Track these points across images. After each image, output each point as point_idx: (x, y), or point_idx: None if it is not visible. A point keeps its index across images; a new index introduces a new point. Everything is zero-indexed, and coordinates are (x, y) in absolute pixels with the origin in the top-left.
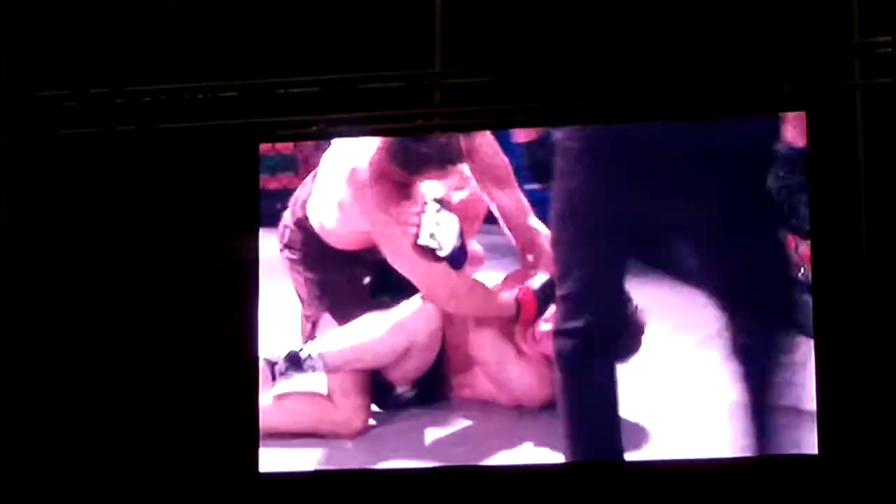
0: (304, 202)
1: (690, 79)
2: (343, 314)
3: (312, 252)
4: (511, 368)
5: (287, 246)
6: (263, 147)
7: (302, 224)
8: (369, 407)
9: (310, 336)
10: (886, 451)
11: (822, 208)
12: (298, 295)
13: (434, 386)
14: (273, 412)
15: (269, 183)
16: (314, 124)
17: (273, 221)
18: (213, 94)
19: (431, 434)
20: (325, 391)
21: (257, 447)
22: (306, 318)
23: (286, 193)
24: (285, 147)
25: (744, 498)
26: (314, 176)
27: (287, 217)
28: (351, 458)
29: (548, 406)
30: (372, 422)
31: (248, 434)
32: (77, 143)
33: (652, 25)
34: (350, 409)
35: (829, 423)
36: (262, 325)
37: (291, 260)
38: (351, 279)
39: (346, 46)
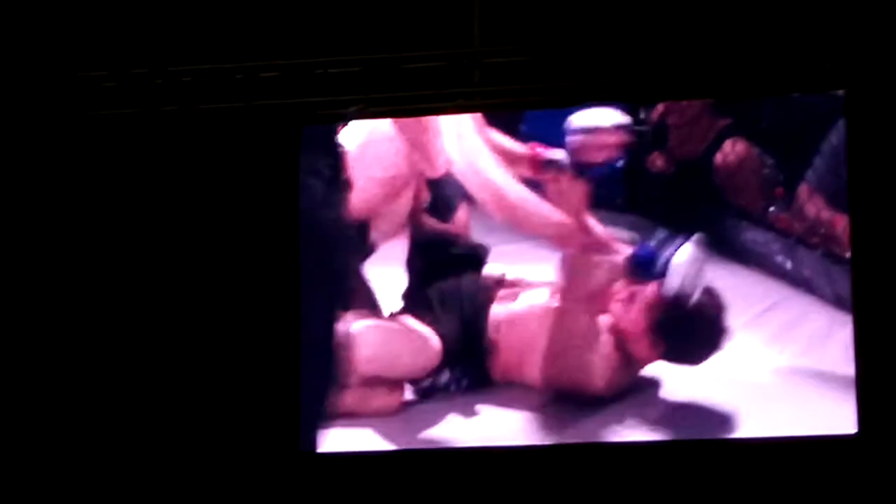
0: None
1: (730, 57)
2: None
3: None
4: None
5: None
6: None
7: None
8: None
9: None
10: None
11: (861, 185)
12: None
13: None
14: None
15: None
16: (354, 104)
17: None
18: (254, 75)
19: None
20: None
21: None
22: None
23: None
24: None
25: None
26: None
27: None
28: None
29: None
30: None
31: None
32: (117, 123)
33: (694, 1)
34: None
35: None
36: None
37: None
38: None
39: (386, 26)
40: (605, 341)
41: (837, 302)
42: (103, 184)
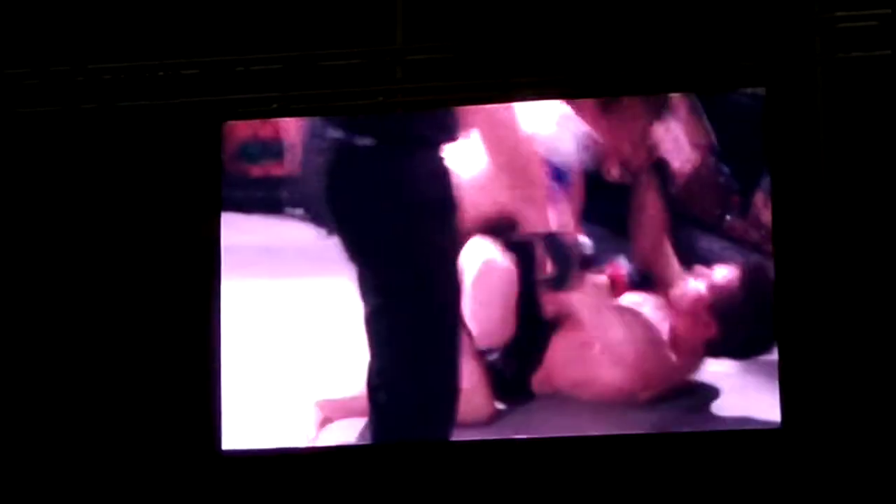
0: None
1: (653, 54)
2: None
3: None
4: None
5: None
6: (244, 133)
7: None
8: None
9: None
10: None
11: (783, 186)
12: None
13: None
14: None
15: (252, 170)
16: (275, 102)
17: (257, 208)
18: (175, 72)
19: None
20: None
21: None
22: None
23: (271, 181)
24: (268, 133)
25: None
26: None
27: None
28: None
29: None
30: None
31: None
32: (38, 121)
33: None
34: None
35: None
36: (223, 307)
37: None
38: None
39: (308, 23)
40: None
41: None
42: (24, 181)
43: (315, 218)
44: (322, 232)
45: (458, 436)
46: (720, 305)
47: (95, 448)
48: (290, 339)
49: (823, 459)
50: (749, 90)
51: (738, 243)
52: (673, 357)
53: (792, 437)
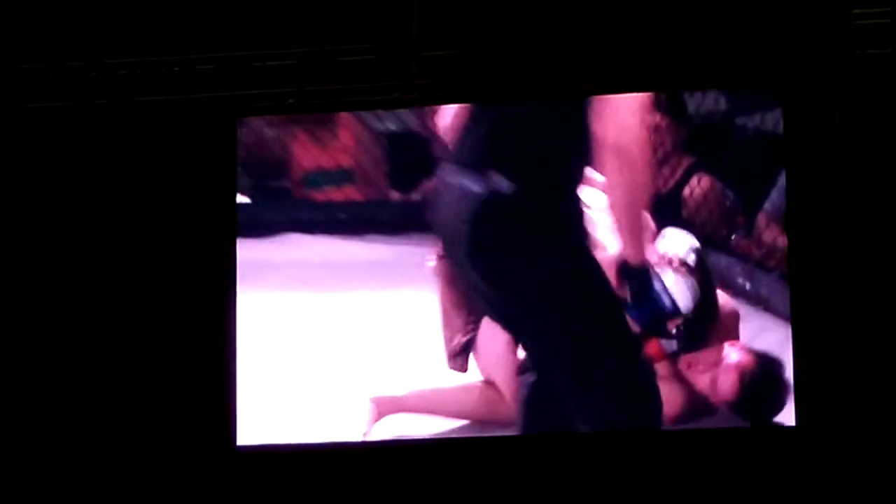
0: None
1: (668, 51)
2: None
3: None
4: None
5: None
6: (309, 164)
7: None
8: None
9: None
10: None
11: (798, 190)
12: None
13: None
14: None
15: (316, 195)
16: (291, 97)
17: (319, 229)
18: (190, 68)
19: None
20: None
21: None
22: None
23: (332, 205)
24: (330, 163)
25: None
26: None
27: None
28: None
29: None
30: None
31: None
32: (52, 116)
33: None
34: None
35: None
36: (240, 305)
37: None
38: None
39: (323, 18)
40: None
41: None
42: (39, 177)
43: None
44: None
45: None
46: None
47: (112, 444)
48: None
49: (838, 459)
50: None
51: (744, 259)
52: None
53: (806, 437)
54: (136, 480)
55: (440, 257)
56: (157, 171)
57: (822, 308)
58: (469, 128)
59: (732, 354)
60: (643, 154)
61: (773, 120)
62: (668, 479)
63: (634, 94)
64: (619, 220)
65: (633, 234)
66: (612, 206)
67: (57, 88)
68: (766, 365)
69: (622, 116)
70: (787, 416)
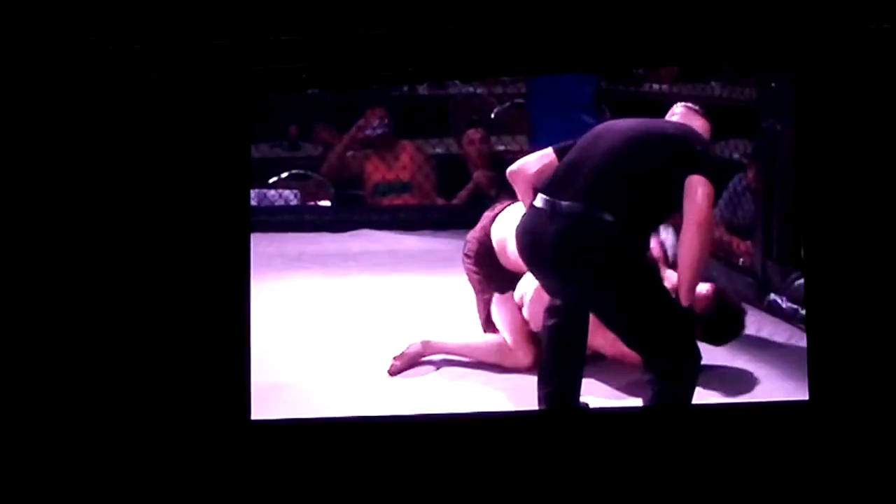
0: (492, 219)
1: (682, 32)
2: None
3: (486, 268)
4: None
5: (466, 255)
6: (377, 177)
7: (483, 240)
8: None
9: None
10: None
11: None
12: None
13: None
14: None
15: (383, 201)
16: (303, 73)
17: (385, 227)
18: (202, 44)
19: None
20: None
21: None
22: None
23: (394, 209)
24: (393, 176)
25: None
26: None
27: (474, 230)
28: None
29: None
30: None
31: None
32: (65, 93)
33: None
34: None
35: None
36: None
37: (469, 269)
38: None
39: None
40: None
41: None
42: (51, 150)
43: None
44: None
45: None
46: None
47: (135, 420)
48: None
49: (850, 434)
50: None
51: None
52: None
53: (819, 412)
54: (161, 455)
55: (465, 254)
56: (170, 144)
57: (834, 283)
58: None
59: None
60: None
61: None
62: (681, 454)
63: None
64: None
65: (690, 290)
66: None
67: (71, 66)
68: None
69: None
70: (799, 389)
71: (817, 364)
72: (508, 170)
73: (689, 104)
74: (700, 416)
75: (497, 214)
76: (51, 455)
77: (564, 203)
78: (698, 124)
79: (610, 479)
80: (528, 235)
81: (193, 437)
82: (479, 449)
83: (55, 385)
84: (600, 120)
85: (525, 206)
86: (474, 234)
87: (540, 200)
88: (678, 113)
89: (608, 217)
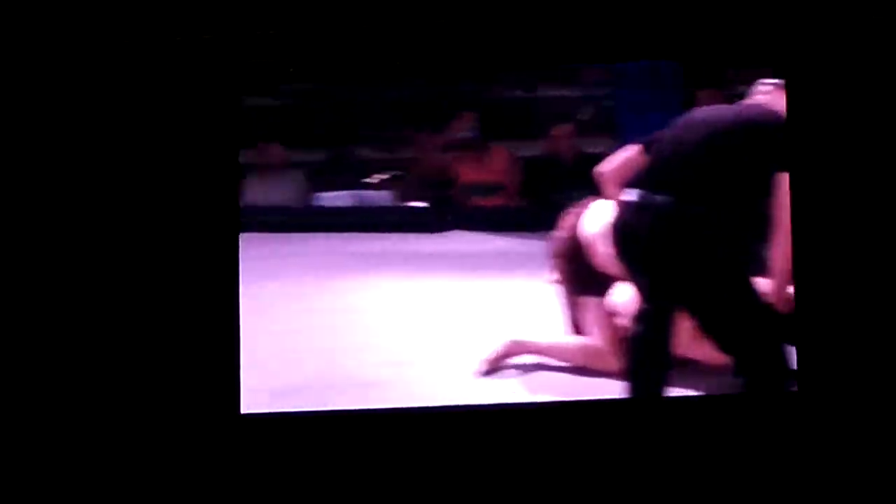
0: (580, 217)
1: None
2: None
3: (575, 268)
4: None
5: (554, 255)
6: (469, 178)
7: (571, 240)
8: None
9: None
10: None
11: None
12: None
13: None
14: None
15: (476, 202)
16: (291, 67)
17: (479, 227)
18: (191, 40)
19: None
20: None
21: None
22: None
23: (487, 210)
24: (486, 177)
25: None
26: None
27: (560, 229)
28: None
29: None
30: None
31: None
32: (56, 89)
33: None
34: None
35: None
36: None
37: (557, 269)
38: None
39: None
40: None
41: None
42: (41, 145)
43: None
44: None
45: None
46: None
47: (126, 413)
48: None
49: (839, 424)
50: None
51: None
52: None
53: (808, 402)
54: (152, 449)
55: (553, 254)
56: (159, 139)
57: (823, 275)
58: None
59: None
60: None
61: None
62: (668, 446)
63: None
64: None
65: (784, 293)
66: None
67: (60, 62)
68: None
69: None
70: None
71: (805, 355)
72: (596, 169)
73: (774, 80)
74: (692, 406)
75: (583, 212)
76: (40, 449)
77: (657, 196)
78: (782, 104)
79: (614, 475)
80: (621, 230)
81: (185, 430)
82: (472, 443)
83: (38, 375)
84: (687, 109)
85: (614, 203)
86: (562, 233)
87: (632, 194)
88: (763, 92)
89: (701, 209)
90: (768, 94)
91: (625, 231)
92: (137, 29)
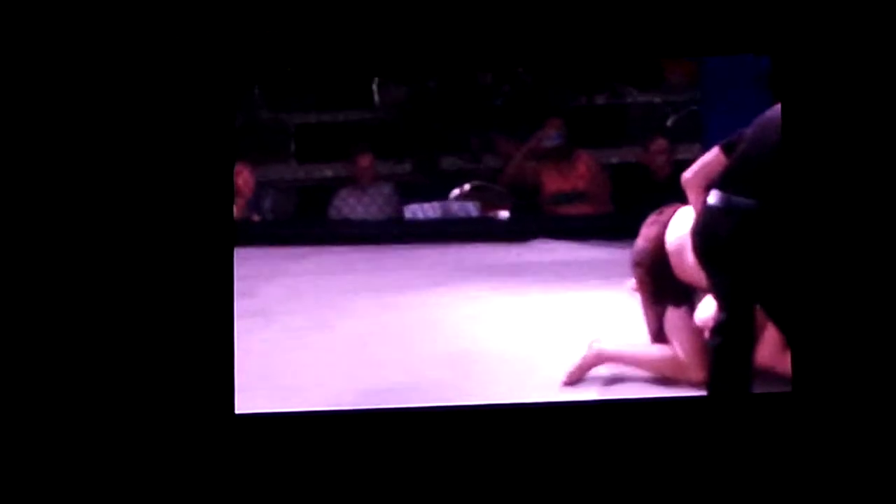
0: (665, 225)
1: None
2: None
3: (659, 278)
4: None
5: (638, 264)
6: (553, 188)
7: (656, 248)
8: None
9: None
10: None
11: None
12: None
13: None
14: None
15: (560, 210)
16: (289, 65)
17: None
18: (192, 32)
19: None
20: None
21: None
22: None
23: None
24: (569, 187)
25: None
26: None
27: (643, 237)
28: None
29: None
30: None
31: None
32: (57, 87)
33: None
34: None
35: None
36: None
37: (640, 278)
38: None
39: None
40: None
41: None
42: (40, 142)
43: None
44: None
45: None
46: None
47: (123, 413)
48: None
49: (834, 424)
50: None
51: None
52: None
53: (803, 402)
54: (147, 450)
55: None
56: (157, 138)
57: (818, 277)
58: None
59: None
60: None
61: None
62: (662, 445)
63: None
64: None
65: None
66: None
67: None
68: None
69: None
70: None
71: (801, 355)
72: (683, 176)
73: None
74: (687, 406)
75: (669, 220)
76: (35, 449)
77: (738, 199)
78: None
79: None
80: (703, 234)
81: (179, 430)
82: (472, 443)
83: (33, 376)
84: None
85: (696, 209)
86: (645, 242)
87: (713, 197)
88: None
89: (782, 212)
90: None
91: (706, 235)
92: (130, 32)
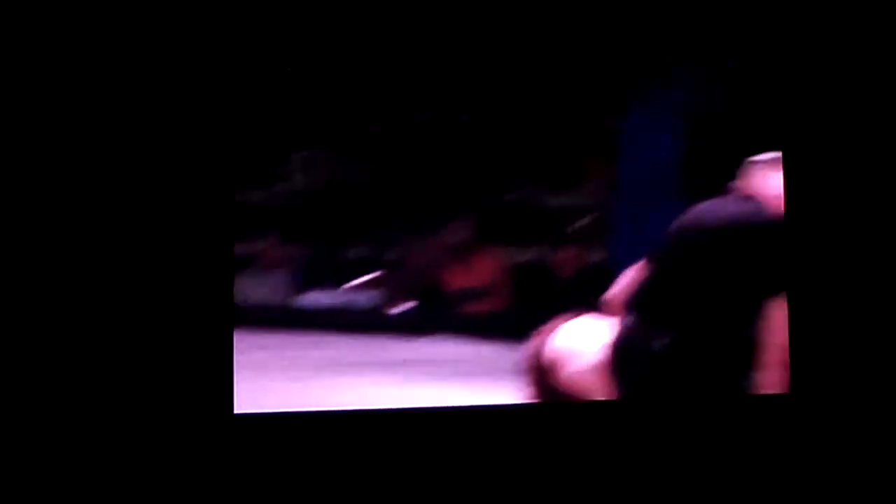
0: (545, 338)
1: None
2: None
3: (538, 381)
4: None
5: (524, 371)
6: None
7: (535, 359)
8: None
9: None
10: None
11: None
12: None
13: None
14: None
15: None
16: (289, 66)
17: None
18: (182, 40)
19: None
20: None
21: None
22: None
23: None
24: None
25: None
26: None
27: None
28: None
29: None
30: None
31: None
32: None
33: None
34: None
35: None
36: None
37: (525, 381)
38: None
39: None
40: None
41: None
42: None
43: None
44: None
45: None
46: None
47: (122, 412)
48: None
49: (832, 427)
50: None
51: None
52: None
53: (801, 405)
54: (145, 450)
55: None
56: (162, 133)
57: (817, 275)
58: None
59: None
60: None
61: None
62: (661, 445)
63: None
64: None
65: None
66: None
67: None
68: None
69: None
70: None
71: (800, 356)
72: (603, 298)
73: (765, 157)
74: (687, 406)
75: (549, 333)
76: (33, 449)
77: (658, 326)
78: (778, 185)
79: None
80: (621, 357)
81: (178, 430)
82: (472, 443)
83: (33, 375)
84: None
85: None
86: (527, 351)
87: (632, 320)
88: (756, 171)
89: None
90: (761, 174)
91: (623, 359)
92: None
